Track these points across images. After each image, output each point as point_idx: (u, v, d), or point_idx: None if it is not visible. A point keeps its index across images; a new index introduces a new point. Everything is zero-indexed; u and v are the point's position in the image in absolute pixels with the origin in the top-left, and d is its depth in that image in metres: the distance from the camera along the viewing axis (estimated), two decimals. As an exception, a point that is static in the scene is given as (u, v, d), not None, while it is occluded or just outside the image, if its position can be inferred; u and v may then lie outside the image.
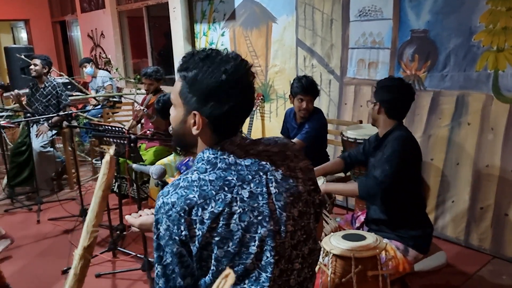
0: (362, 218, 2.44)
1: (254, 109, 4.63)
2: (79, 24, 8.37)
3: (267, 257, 1.09)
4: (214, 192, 1.06)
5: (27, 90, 4.88)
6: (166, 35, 6.02)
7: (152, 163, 3.46)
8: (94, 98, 6.27)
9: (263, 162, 1.15)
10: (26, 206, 4.31)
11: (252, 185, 1.10)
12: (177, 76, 1.17)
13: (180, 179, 1.10)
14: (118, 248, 3.28)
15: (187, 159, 2.23)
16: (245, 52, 4.69)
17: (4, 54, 6.55)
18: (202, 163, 1.12)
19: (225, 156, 1.12)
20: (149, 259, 2.96)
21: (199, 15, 5.31)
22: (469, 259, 3.00)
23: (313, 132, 3.13)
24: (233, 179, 1.09)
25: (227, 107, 1.11)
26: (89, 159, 5.57)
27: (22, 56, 5.52)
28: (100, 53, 7.64)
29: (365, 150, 2.42)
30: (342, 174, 3.29)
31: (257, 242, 1.08)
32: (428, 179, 3.27)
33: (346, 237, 1.88)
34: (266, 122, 4.73)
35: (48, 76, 4.70)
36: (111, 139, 3.24)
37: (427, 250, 2.17)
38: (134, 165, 1.69)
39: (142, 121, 4.63)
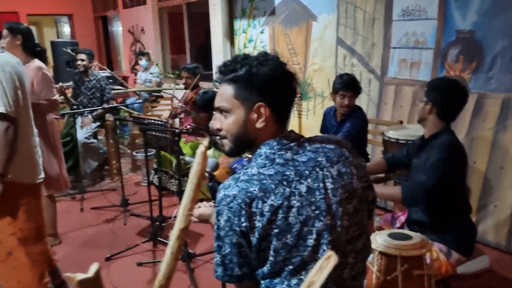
0: (402, 218, 2.43)
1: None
2: (120, 20, 8.59)
3: (324, 250, 1.12)
4: (273, 186, 1.10)
5: (70, 83, 5.06)
6: (206, 32, 6.12)
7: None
8: (135, 92, 6.44)
9: (319, 159, 1.18)
10: (70, 195, 4.48)
11: (309, 180, 1.14)
12: (222, 84, 1.21)
13: (240, 173, 1.15)
14: (158, 238, 3.38)
15: (241, 159, 2.28)
16: (284, 50, 4.72)
17: (50, 48, 6.79)
18: (261, 159, 1.16)
19: (282, 152, 1.16)
20: (189, 250, 3.04)
21: (239, 12, 5.37)
22: (511, 265, 2.94)
23: (355, 131, 3.13)
24: (291, 174, 1.13)
25: (284, 93, 1.18)
26: (129, 151, 5.72)
27: (68, 50, 5.72)
28: (140, 48, 7.82)
29: (409, 153, 2.40)
30: (382, 174, 3.29)
31: (314, 235, 1.11)
32: (470, 182, 3.21)
33: (392, 236, 1.88)
34: (303, 120, 4.74)
35: (93, 70, 4.86)
36: (154, 133, 3.33)
37: (470, 253, 2.15)
38: (187, 158, 1.76)
39: (181, 116, 4.72)
